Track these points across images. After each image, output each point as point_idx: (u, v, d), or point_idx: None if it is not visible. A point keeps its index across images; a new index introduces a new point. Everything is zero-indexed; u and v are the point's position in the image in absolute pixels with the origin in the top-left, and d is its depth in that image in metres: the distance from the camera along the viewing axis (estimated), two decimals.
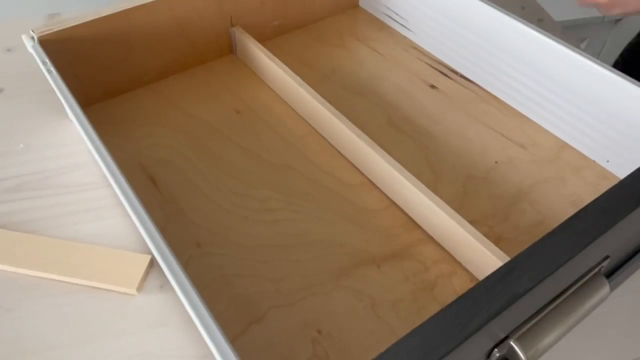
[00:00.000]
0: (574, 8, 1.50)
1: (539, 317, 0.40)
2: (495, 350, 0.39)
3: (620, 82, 0.55)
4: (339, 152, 0.62)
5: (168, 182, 0.58)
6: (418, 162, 0.60)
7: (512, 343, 0.39)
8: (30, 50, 0.59)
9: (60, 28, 0.60)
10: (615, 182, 0.42)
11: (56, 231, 0.54)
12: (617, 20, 1.53)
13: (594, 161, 0.61)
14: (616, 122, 0.57)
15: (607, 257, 0.43)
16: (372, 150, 0.56)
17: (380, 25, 0.81)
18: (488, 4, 0.64)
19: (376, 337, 0.46)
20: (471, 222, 0.49)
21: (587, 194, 0.57)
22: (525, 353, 0.39)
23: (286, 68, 0.64)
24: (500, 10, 0.63)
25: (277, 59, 0.66)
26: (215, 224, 0.54)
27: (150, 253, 0.51)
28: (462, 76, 0.72)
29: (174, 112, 0.66)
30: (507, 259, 0.45)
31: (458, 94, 0.69)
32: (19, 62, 0.73)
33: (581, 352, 0.47)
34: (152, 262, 0.51)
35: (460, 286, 0.50)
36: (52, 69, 0.56)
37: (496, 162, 0.61)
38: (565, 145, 0.62)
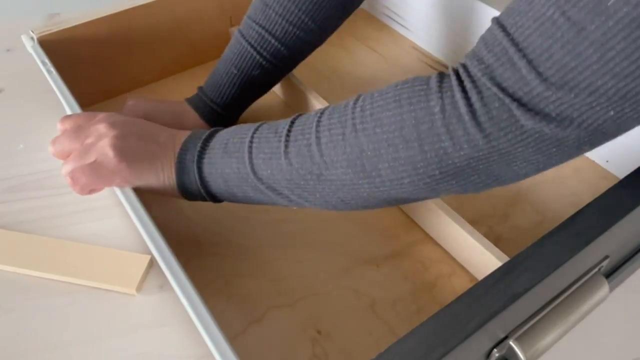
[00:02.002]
0: None
1: (538, 317, 0.40)
2: (495, 350, 0.39)
3: None
4: None
5: None
6: None
7: (511, 343, 0.39)
8: (30, 50, 0.59)
9: (60, 28, 0.60)
10: (615, 182, 0.42)
11: (56, 231, 0.54)
12: None
13: (594, 161, 0.61)
14: None
15: (606, 257, 0.43)
16: None
17: (380, 25, 0.81)
18: (488, 4, 0.64)
19: (376, 337, 0.46)
20: (471, 222, 0.49)
21: (587, 194, 0.57)
22: (524, 353, 0.39)
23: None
24: (501, 11, 0.63)
25: None
26: (215, 224, 0.54)
27: (150, 253, 0.51)
28: None
29: None
30: (507, 259, 0.45)
31: None
32: (19, 62, 0.73)
33: (581, 352, 0.47)
34: (152, 262, 0.51)
35: (459, 286, 0.50)
36: (52, 69, 0.56)
37: None
38: None
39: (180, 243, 0.53)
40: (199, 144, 0.46)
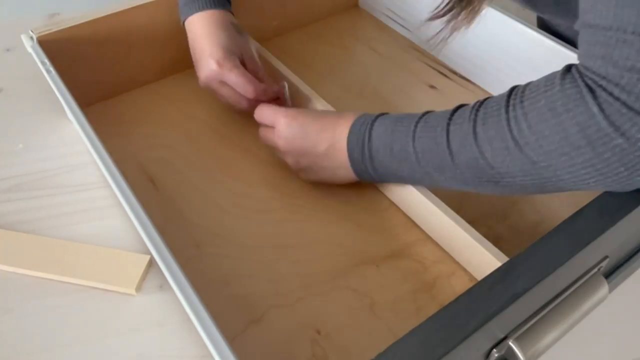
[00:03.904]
0: None
1: (537, 317, 0.40)
2: (494, 350, 0.39)
3: None
4: None
5: (167, 182, 0.58)
6: None
7: (510, 343, 0.39)
8: (30, 50, 0.59)
9: (60, 28, 0.60)
10: None
11: (56, 231, 0.53)
12: None
13: None
14: None
15: (606, 257, 0.43)
16: None
17: (380, 25, 0.81)
18: (488, 5, 0.64)
19: (375, 337, 0.46)
20: (470, 222, 0.48)
21: (586, 194, 0.57)
22: (524, 353, 0.39)
23: (286, 68, 0.64)
24: (500, 11, 0.63)
25: (276, 59, 0.66)
26: (214, 224, 0.54)
27: (149, 253, 0.51)
28: (461, 76, 0.72)
29: (173, 112, 0.66)
30: (506, 259, 0.45)
31: (457, 94, 0.69)
32: (19, 62, 0.73)
33: (580, 352, 0.47)
34: (151, 262, 0.51)
35: (459, 286, 0.50)
36: (51, 69, 0.56)
37: None
38: None
39: (179, 243, 0.52)
40: (365, 150, 0.49)
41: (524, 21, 0.62)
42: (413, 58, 0.75)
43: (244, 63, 0.59)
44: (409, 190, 0.52)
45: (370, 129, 0.49)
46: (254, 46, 0.63)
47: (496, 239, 0.53)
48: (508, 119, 0.40)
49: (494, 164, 0.41)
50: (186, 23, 0.61)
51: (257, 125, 0.65)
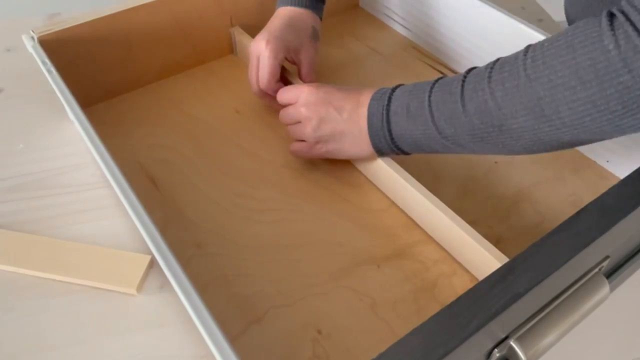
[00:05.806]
0: None
1: (539, 317, 0.40)
2: (496, 350, 0.39)
3: None
4: None
5: (168, 182, 0.58)
6: (418, 163, 0.60)
7: (512, 343, 0.39)
8: (30, 50, 0.59)
9: (60, 28, 0.60)
10: (615, 182, 0.42)
11: (56, 231, 0.54)
12: None
13: (594, 161, 0.61)
14: None
15: (607, 257, 0.43)
16: None
17: (380, 25, 0.81)
18: (488, 4, 0.64)
19: (376, 337, 0.46)
20: (471, 222, 0.48)
21: (587, 194, 0.57)
22: (525, 353, 0.39)
23: (286, 69, 0.64)
24: (500, 11, 0.63)
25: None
26: (215, 224, 0.54)
27: (150, 253, 0.51)
28: None
29: (174, 112, 0.66)
30: (506, 259, 0.45)
31: None
32: (19, 62, 0.73)
33: (581, 352, 0.47)
34: (152, 262, 0.51)
35: (460, 286, 0.50)
36: (52, 69, 0.56)
37: (496, 162, 0.61)
38: None
39: (180, 243, 0.52)
40: (384, 113, 0.51)
41: (525, 21, 0.62)
42: (413, 58, 0.75)
43: (294, 61, 0.64)
44: (410, 190, 0.52)
45: (391, 94, 0.51)
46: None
47: (497, 239, 0.53)
48: (525, 59, 0.41)
49: (502, 102, 0.42)
50: (277, 10, 0.66)
51: (257, 126, 0.66)
